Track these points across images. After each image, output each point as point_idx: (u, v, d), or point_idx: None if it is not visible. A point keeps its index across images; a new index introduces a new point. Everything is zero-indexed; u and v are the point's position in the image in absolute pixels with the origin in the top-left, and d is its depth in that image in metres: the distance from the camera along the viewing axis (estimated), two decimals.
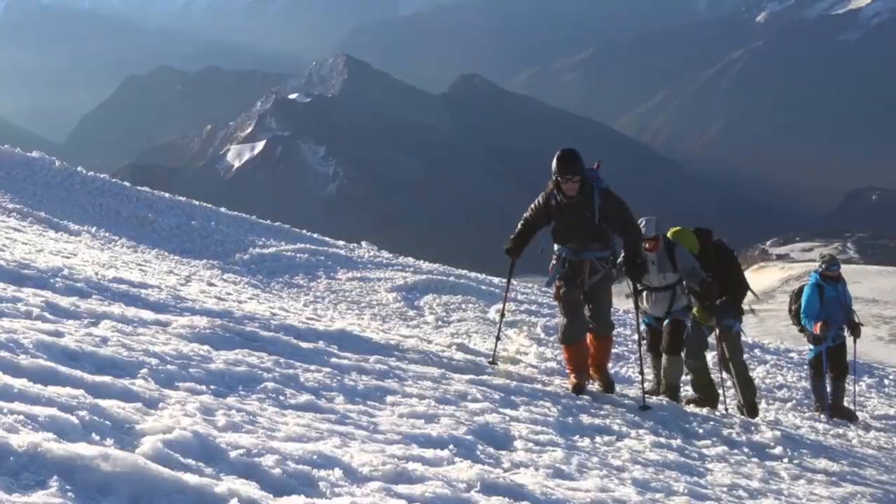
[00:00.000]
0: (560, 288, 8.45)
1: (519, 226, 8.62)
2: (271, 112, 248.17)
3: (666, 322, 9.89)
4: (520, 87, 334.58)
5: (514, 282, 9.92)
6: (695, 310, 9.99)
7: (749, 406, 10.33)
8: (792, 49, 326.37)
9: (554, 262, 8.54)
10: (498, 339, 9.47)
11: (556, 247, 8.50)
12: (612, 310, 8.95)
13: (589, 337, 8.55)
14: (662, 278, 9.70)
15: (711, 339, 10.45)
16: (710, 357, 10.81)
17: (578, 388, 8.26)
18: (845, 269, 12.42)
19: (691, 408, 9.42)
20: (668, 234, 9.93)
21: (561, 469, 5.05)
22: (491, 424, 5.82)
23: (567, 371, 8.74)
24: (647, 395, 8.46)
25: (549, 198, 8.30)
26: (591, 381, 8.65)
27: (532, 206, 8.50)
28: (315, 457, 3.92)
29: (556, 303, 9.09)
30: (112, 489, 3.02)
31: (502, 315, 9.98)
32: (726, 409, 10.03)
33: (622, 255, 8.71)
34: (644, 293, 9.84)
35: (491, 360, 8.95)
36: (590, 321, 8.48)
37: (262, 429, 4.32)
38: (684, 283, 9.68)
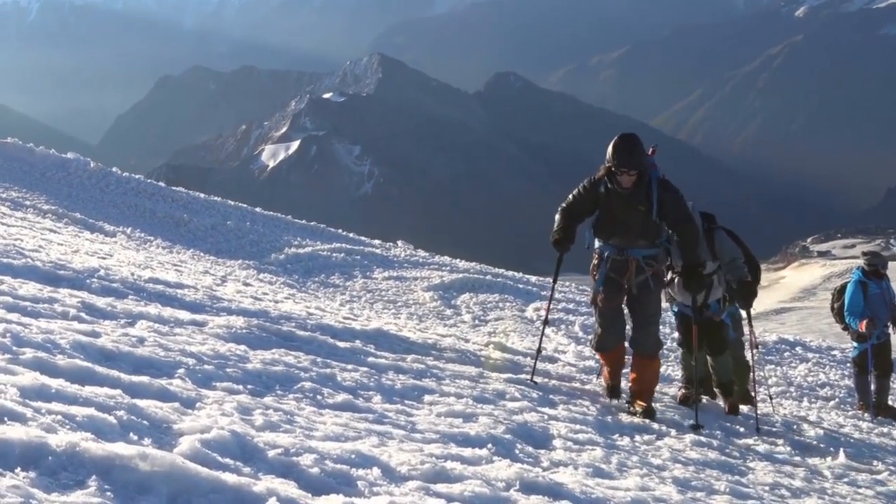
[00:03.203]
0: (598, 294, 7.51)
1: (559, 217, 7.50)
2: (306, 111, 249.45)
3: (705, 321, 8.54)
4: (555, 84, 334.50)
5: (550, 279, 9.04)
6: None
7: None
8: (832, 43, 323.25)
9: (595, 261, 7.55)
10: (539, 351, 8.35)
11: (597, 243, 7.51)
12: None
13: (633, 357, 7.54)
14: None
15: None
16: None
17: (613, 391, 7.57)
18: (889, 266, 12.21)
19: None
20: None
21: (601, 468, 5.00)
22: (529, 423, 5.78)
23: (600, 365, 7.96)
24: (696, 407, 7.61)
25: (598, 184, 7.28)
26: (630, 406, 7.47)
27: (575, 192, 7.46)
28: (353, 456, 3.89)
29: (591, 307, 7.99)
30: (150, 489, 3.00)
31: (545, 322, 8.82)
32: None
33: (672, 253, 7.68)
34: (676, 279, 8.50)
35: (531, 378, 7.75)
36: (632, 335, 7.50)
37: (299, 428, 4.31)
38: (723, 273, 8.51)
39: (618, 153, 6.99)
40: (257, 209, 21.28)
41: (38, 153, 20.64)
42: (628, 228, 7.26)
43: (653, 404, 7.45)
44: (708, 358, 8.88)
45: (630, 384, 7.57)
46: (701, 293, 7.92)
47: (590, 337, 9.76)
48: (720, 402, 8.91)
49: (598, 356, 8.08)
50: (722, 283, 8.57)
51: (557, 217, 7.51)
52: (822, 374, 13.80)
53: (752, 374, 9.82)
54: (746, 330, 9.80)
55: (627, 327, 7.72)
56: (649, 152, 7.38)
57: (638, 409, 7.29)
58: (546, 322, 8.75)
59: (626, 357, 7.90)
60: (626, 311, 7.69)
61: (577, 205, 7.44)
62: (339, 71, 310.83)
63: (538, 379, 7.79)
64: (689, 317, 8.42)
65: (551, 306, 9.68)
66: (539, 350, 8.37)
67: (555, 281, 8.57)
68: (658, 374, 7.74)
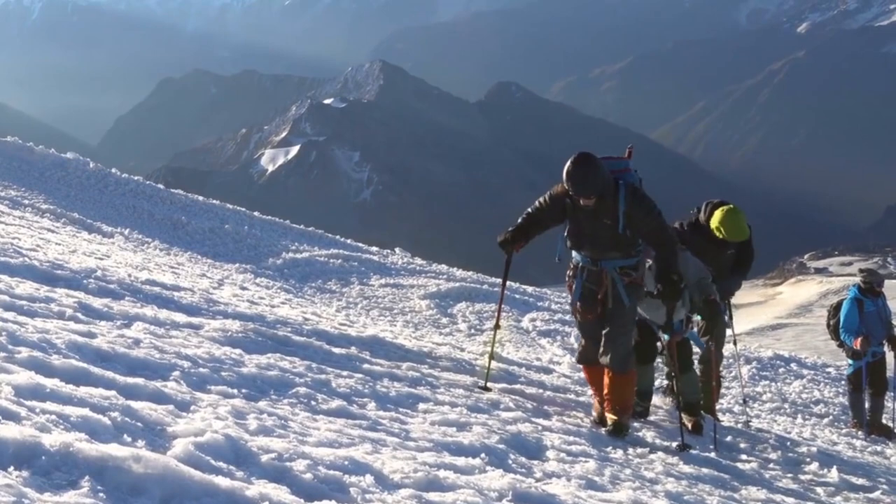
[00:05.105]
0: (576, 305, 7.11)
1: (519, 220, 7.22)
2: (306, 117, 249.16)
3: (668, 339, 7.98)
4: (557, 95, 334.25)
5: (546, 290, 8.88)
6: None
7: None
8: (834, 60, 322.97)
9: (570, 272, 7.13)
10: (491, 357, 7.97)
11: (573, 253, 7.10)
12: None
13: (605, 373, 6.96)
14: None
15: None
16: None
17: (604, 420, 6.98)
18: (886, 284, 12.22)
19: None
20: (715, 218, 8.56)
21: (593, 480, 5.01)
22: (523, 434, 5.78)
23: (593, 400, 7.49)
24: (684, 430, 7.23)
25: (563, 195, 6.86)
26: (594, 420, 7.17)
27: (540, 200, 7.10)
28: (346, 463, 3.90)
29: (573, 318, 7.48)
30: (143, 490, 3.01)
31: (496, 326, 8.21)
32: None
33: (650, 264, 7.16)
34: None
35: (483, 384, 7.44)
36: (601, 347, 6.94)
37: (293, 433, 4.31)
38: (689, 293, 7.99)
39: (571, 181, 6.52)
40: (255, 213, 21.26)
41: (38, 152, 20.63)
42: (597, 241, 6.85)
43: (627, 421, 6.95)
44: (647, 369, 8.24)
45: (605, 395, 7.03)
46: (676, 300, 7.29)
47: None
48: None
49: (583, 373, 7.61)
50: (686, 304, 8.05)
51: (519, 221, 7.25)
52: (817, 391, 13.80)
53: (741, 388, 9.82)
54: (729, 349, 9.58)
55: None
56: (625, 155, 7.06)
57: (609, 421, 6.88)
58: (497, 326, 8.21)
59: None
60: None
61: (541, 212, 7.11)
62: (341, 77, 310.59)
63: (491, 385, 7.47)
64: (652, 328, 8.04)
65: (545, 316, 9.69)
66: (491, 355, 8.01)
67: (504, 284, 8.20)
68: (631, 390, 7.07)
